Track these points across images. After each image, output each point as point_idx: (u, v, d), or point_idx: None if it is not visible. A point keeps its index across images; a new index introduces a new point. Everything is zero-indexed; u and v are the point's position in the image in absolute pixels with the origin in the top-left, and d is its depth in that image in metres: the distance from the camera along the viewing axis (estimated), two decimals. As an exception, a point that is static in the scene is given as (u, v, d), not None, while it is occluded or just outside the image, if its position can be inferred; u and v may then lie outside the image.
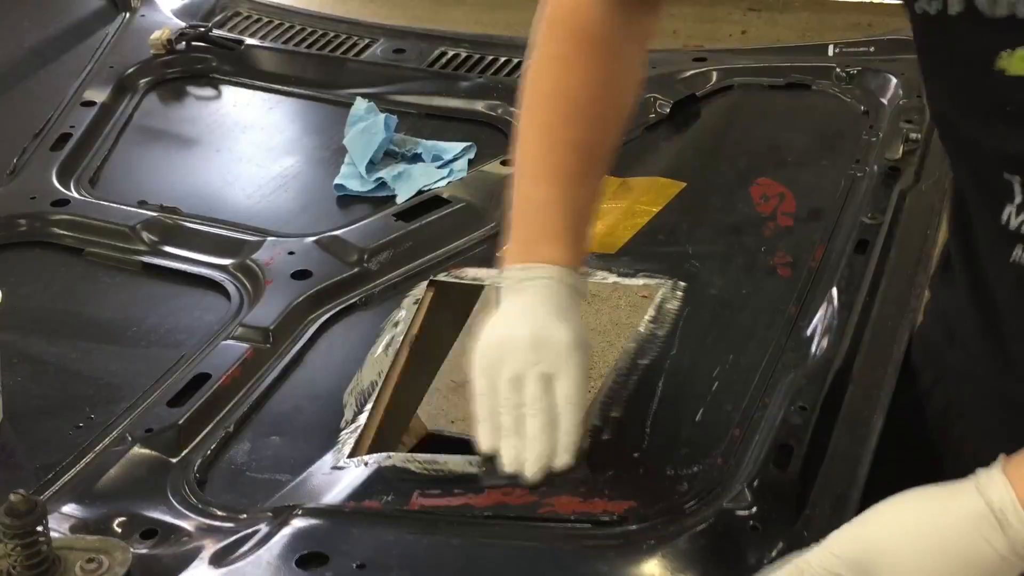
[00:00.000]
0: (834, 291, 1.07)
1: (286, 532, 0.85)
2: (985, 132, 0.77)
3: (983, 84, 0.74)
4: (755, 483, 0.84)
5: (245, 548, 0.84)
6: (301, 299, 1.16)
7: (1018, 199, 0.77)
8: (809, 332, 1.04)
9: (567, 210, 0.92)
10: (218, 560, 0.83)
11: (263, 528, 0.86)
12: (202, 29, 1.70)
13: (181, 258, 1.26)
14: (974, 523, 0.69)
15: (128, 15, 1.79)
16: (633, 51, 0.98)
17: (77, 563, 0.79)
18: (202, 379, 1.05)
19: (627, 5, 0.95)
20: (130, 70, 1.64)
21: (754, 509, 0.82)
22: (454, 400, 2.36)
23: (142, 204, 1.35)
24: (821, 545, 0.73)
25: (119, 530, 0.87)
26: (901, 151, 1.24)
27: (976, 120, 0.78)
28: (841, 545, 0.72)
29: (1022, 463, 0.70)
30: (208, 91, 1.64)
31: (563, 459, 0.84)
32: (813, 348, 1.01)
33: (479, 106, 1.53)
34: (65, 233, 1.30)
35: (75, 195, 1.36)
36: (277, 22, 1.78)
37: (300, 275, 1.20)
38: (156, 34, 1.67)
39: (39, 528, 0.76)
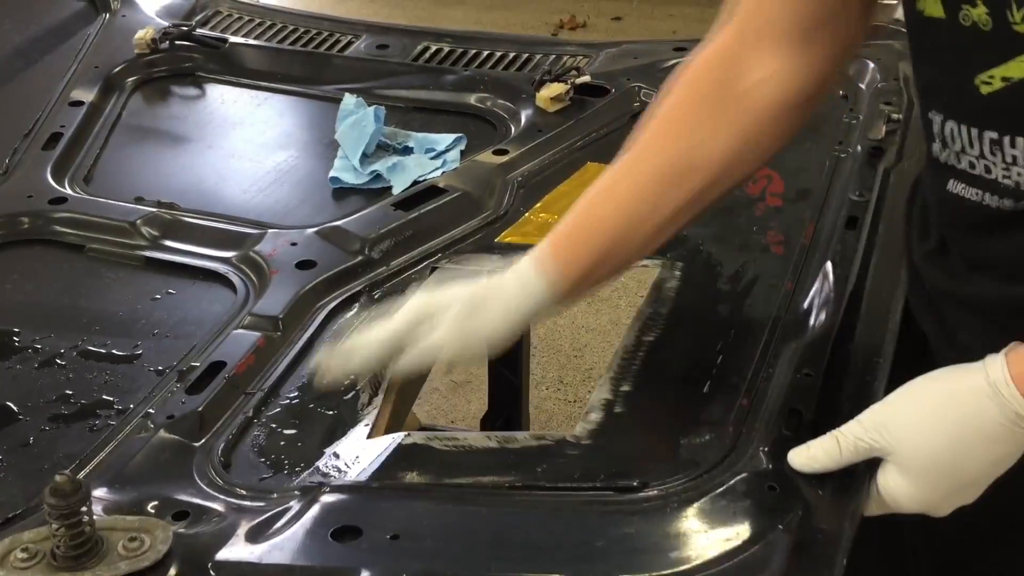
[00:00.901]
0: (828, 265, 1.11)
1: (317, 508, 0.87)
2: (915, 71, 0.91)
3: (912, 25, 0.86)
4: (769, 446, 0.88)
5: (279, 525, 0.86)
6: (307, 288, 1.18)
7: (937, 135, 0.88)
8: (807, 305, 1.08)
9: (582, 220, 0.98)
10: (253, 537, 0.85)
11: (294, 505, 0.88)
12: (185, 28, 1.71)
13: (183, 252, 1.27)
14: (973, 394, 0.81)
15: (108, 16, 1.80)
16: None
17: (119, 542, 0.81)
18: (218, 367, 1.07)
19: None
20: (116, 69, 1.65)
21: (770, 469, 0.86)
22: (454, 401, 2.37)
23: (139, 201, 1.37)
24: (853, 420, 0.85)
25: (152, 512, 0.88)
26: (884, 131, 1.29)
27: (914, 61, 0.91)
28: (868, 416, 0.85)
29: (1020, 348, 0.82)
30: (195, 89, 1.66)
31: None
32: (812, 320, 1.05)
33: (468, 99, 1.56)
34: (65, 230, 1.31)
35: (71, 193, 1.38)
36: (258, 20, 1.80)
37: (304, 265, 1.22)
38: (140, 33, 1.68)
39: (83, 509, 0.78)
